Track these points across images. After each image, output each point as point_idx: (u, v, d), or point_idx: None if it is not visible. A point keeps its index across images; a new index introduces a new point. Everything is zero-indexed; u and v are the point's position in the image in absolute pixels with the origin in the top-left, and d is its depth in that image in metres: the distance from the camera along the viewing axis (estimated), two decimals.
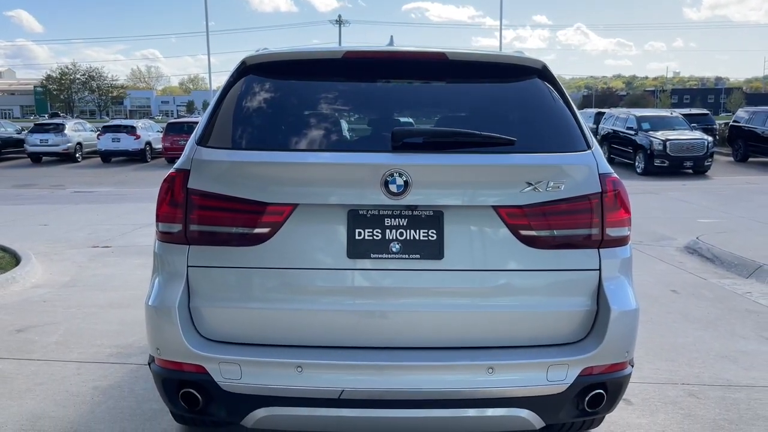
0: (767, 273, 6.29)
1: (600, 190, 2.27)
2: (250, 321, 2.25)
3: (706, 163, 16.86)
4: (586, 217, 2.26)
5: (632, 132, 18.20)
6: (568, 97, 2.52)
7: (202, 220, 2.25)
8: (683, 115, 20.58)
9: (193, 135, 2.41)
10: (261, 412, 2.21)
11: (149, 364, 2.41)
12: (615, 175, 2.34)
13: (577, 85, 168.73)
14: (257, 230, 2.22)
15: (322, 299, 2.23)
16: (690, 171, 16.92)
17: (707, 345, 4.45)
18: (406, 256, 2.22)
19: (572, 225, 2.26)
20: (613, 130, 19.56)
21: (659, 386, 3.73)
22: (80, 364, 4.03)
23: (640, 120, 18.49)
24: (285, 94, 2.46)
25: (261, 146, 2.29)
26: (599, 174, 2.29)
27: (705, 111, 27.55)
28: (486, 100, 2.53)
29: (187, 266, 2.26)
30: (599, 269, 2.27)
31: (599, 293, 2.27)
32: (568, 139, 2.35)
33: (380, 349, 2.24)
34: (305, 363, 2.16)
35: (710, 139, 17.55)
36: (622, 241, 2.32)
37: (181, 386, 2.24)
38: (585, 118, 24.39)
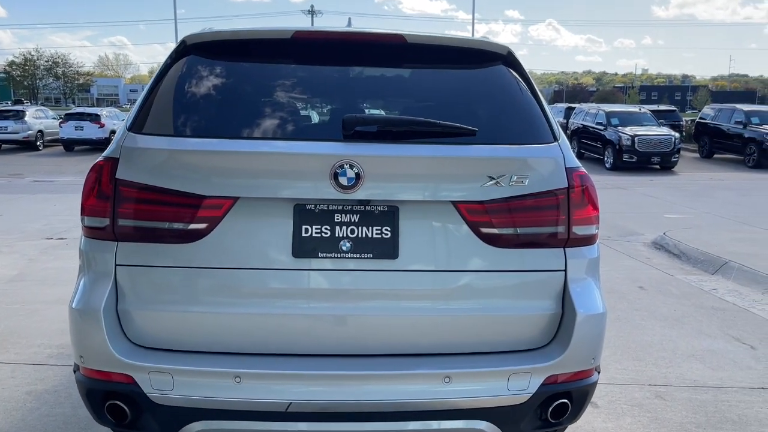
0: (732, 269, 6.28)
1: (566, 186, 2.11)
2: (184, 326, 2.04)
3: (672, 159, 17.04)
4: (551, 214, 2.11)
5: (601, 127, 18.29)
6: (535, 86, 2.36)
7: (131, 214, 2.03)
8: (651, 111, 20.79)
9: (125, 120, 2.18)
10: (196, 426, 2.01)
11: (74, 371, 2.19)
12: (582, 169, 2.19)
13: (549, 81, 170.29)
14: (193, 226, 2.01)
15: (264, 302, 2.03)
16: (657, 166, 17.08)
17: (674, 343, 4.37)
18: (358, 255, 2.03)
19: (536, 222, 2.10)
20: (583, 125, 19.65)
21: (626, 387, 3.62)
22: (15, 366, 3.76)
23: (609, 115, 18.60)
24: (228, 78, 2.24)
25: (198, 133, 2.08)
26: (566, 168, 2.13)
27: (672, 108, 27.91)
28: (447, 88, 2.35)
29: (115, 265, 2.03)
30: (565, 270, 2.12)
31: (564, 296, 2.11)
32: (533, 131, 2.19)
33: (329, 357, 2.05)
34: (245, 373, 1.96)
35: (677, 135, 17.74)
36: (589, 240, 2.17)
37: (107, 398, 2.03)
38: (555, 112, 24.67)
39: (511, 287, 2.10)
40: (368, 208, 2.05)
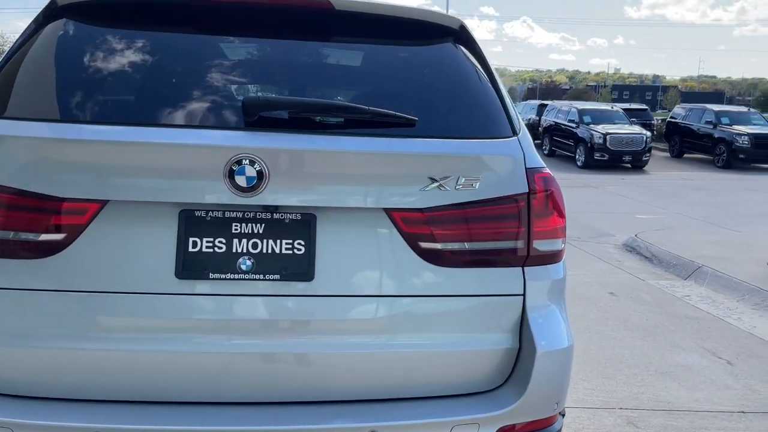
0: (705, 275, 6.01)
1: (527, 190, 1.71)
2: (31, 365, 1.58)
3: (644, 158, 16.92)
4: (507, 226, 1.70)
5: (574, 125, 18.09)
6: (492, 69, 1.95)
7: None
8: (623, 109, 20.69)
9: None
10: None
11: None
12: (547, 170, 1.79)
13: (522, 78, 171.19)
14: (45, 237, 1.55)
15: (136, 337, 1.59)
16: (628, 165, 16.94)
17: (647, 358, 4.03)
18: (261, 276, 1.60)
19: (489, 236, 1.69)
20: (555, 122, 19.44)
21: (595, 412, 3.26)
22: None
23: (581, 113, 18.41)
24: (104, 48, 1.77)
25: (59, 117, 1.62)
26: (526, 169, 1.73)
27: (644, 106, 27.93)
28: (384, 67, 1.93)
29: None
30: (523, 295, 1.72)
31: (522, 327, 1.71)
32: (487, 122, 1.78)
33: (220, 406, 1.61)
34: (107, 429, 1.51)
35: (649, 134, 17.64)
36: (553, 257, 1.78)
37: None
38: (528, 109, 24.43)
39: (457, 316, 1.69)
40: (276, 216, 1.61)
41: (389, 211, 1.64)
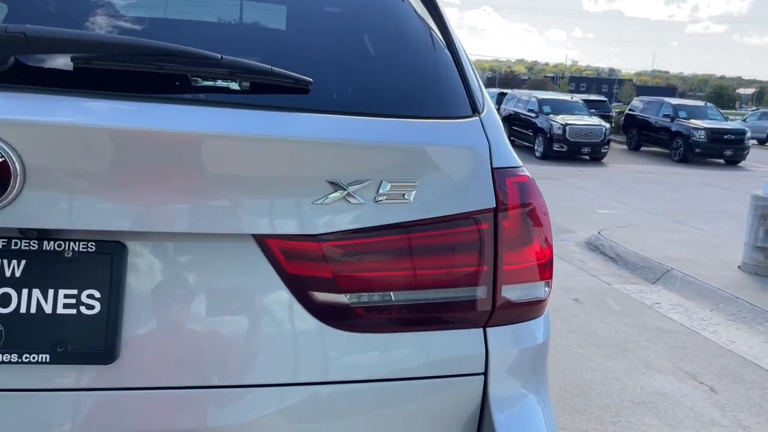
0: (675, 279, 5.54)
1: (493, 205, 1.06)
2: None
3: (602, 150, 16.65)
4: (460, 263, 1.05)
5: (533, 114, 17.69)
6: (447, 22, 1.29)
7: None
8: (582, 100, 20.43)
9: None
10: None
11: None
12: (525, 171, 1.15)
13: (482, 67, 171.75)
14: None
15: None
16: (587, 157, 16.64)
17: (620, 383, 3.48)
18: (16, 356, 0.90)
19: (429, 280, 1.04)
20: (515, 111, 19.01)
21: None
22: None
23: (541, 103, 18.02)
24: None
25: None
26: (493, 169, 1.08)
27: (603, 98, 27.87)
28: (288, 11, 1.26)
29: None
30: (484, 374, 1.07)
31: (481, 430, 1.06)
32: (432, 93, 1.13)
33: None
34: None
35: (608, 126, 17.39)
36: (532, 311, 1.13)
37: None
38: None
39: (373, 417, 1.03)
40: (47, 247, 0.91)
41: (260, 239, 0.96)
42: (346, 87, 1.09)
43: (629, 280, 5.72)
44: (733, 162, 17.66)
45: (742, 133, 17.81)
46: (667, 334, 4.36)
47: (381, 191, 0.99)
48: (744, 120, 27.07)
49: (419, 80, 1.15)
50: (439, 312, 1.05)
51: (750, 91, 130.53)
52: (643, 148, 20.17)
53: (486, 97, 1.20)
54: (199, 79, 0.98)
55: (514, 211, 1.08)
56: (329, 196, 0.97)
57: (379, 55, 1.20)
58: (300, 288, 0.98)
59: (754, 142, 21.80)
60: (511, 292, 1.08)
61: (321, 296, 0.98)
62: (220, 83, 1.00)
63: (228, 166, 0.94)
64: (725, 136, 17.56)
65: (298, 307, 0.98)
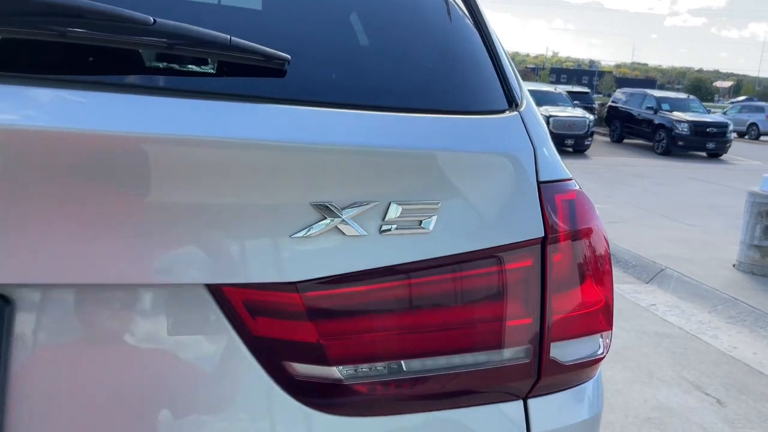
0: (670, 279, 5.35)
1: (541, 234, 0.78)
2: None
3: (586, 142, 16.50)
4: (497, 315, 0.78)
5: None
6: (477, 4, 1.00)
7: None
8: (566, 92, 20.27)
9: None
10: None
11: None
12: (575, 184, 0.87)
13: None
14: None
15: None
16: (570, 149, 16.48)
17: (623, 396, 3.25)
18: None
19: (455, 342, 0.76)
20: None
21: None
22: None
23: None
24: None
25: None
26: (539, 183, 0.80)
27: (586, 89, 27.79)
28: None
29: None
30: None
31: None
32: (457, 77, 0.84)
33: None
34: None
35: (592, 117, 17.26)
36: (586, 371, 0.86)
37: None
38: None
39: None
40: None
41: (215, 288, 0.67)
42: (337, 69, 0.80)
43: (622, 280, 5.51)
44: (715, 155, 17.66)
45: (725, 126, 17.79)
46: (666, 339, 4.15)
47: (388, 218, 0.70)
48: (724, 113, 27.20)
49: (435, 60, 0.86)
50: (466, 384, 0.77)
51: (727, 84, 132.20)
52: (625, 141, 20.09)
53: (524, 87, 0.91)
54: (123, 54, 0.68)
55: (566, 241, 0.80)
56: (314, 226, 0.68)
57: (381, 27, 0.90)
58: (272, 357, 0.69)
59: (735, 135, 21.89)
60: (562, 350, 0.81)
61: (302, 369, 0.70)
62: (153, 60, 0.70)
63: (162, 183, 0.64)
64: (708, 129, 17.53)
65: (269, 384, 0.69)
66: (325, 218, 0.70)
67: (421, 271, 0.73)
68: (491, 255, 0.76)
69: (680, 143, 17.35)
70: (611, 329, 0.88)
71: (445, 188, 0.74)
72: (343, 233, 0.71)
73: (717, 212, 8.76)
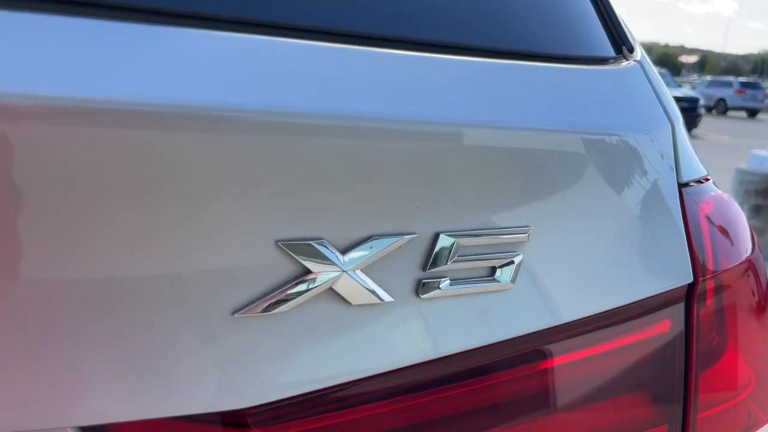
0: None
1: (690, 278, 0.45)
2: None
3: None
4: (617, 421, 0.44)
5: None
6: None
7: None
8: None
9: None
10: None
11: None
12: (714, 185, 0.53)
13: None
14: None
15: None
16: None
17: None
18: None
19: None
20: None
21: None
22: None
23: None
24: None
25: None
26: (680, 187, 0.46)
27: None
28: None
29: None
30: None
31: None
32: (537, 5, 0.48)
33: None
34: None
35: None
36: None
37: None
38: None
39: None
40: None
41: None
42: None
43: None
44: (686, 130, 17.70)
45: (695, 100, 17.77)
46: None
47: (434, 264, 0.37)
48: (693, 88, 27.36)
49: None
50: None
51: (693, 59, 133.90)
52: None
53: (628, 32, 0.58)
54: None
55: (717, 286, 0.48)
56: (285, 290, 0.34)
57: None
58: None
59: (703, 110, 21.99)
60: None
61: None
62: None
63: None
64: (678, 104, 17.39)
65: None
66: (308, 273, 0.37)
67: (489, 366, 0.40)
68: (612, 321, 0.43)
69: None
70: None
71: (539, 204, 0.41)
72: (344, 300, 0.37)
73: None
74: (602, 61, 0.50)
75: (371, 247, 0.38)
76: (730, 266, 0.50)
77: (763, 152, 5.63)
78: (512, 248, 0.42)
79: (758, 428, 0.55)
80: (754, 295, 0.53)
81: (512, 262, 0.41)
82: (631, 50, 0.53)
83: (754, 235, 0.57)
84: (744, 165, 5.60)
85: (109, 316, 0.34)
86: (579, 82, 0.47)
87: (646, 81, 0.52)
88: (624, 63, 0.51)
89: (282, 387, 0.37)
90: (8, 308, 0.31)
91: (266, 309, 0.37)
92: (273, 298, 0.37)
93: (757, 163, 5.49)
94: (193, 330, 0.36)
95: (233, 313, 0.37)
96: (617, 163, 0.46)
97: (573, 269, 0.44)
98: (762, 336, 0.55)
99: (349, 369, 0.38)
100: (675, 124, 0.52)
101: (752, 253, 0.53)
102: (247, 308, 0.37)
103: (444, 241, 0.40)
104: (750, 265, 0.53)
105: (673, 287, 0.46)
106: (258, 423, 0.37)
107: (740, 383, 0.54)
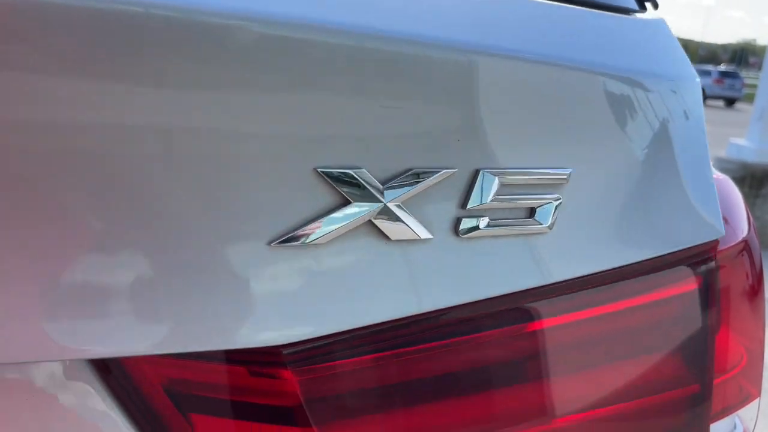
0: None
1: (721, 233, 0.49)
2: None
3: None
4: (656, 377, 0.45)
5: None
6: None
7: None
8: None
9: None
10: None
11: None
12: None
13: None
14: None
15: None
16: None
17: None
18: None
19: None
20: None
21: None
22: None
23: None
24: None
25: None
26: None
27: None
28: None
29: None
30: None
31: None
32: None
33: None
34: None
35: None
36: None
37: None
38: None
39: None
40: None
41: (119, 369, 0.35)
42: None
43: None
44: None
45: None
46: None
47: (474, 201, 0.35)
48: None
49: None
50: None
51: None
52: None
53: None
54: None
55: (735, 249, 0.48)
56: (323, 220, 0.34)
57: None
58: None
59: None
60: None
61: None
62: None
63: None
64: None
65: None
66: (347, 204, 0.35)
67: (530, 308, 0.39)
68: (650, 270, 0.43)
69: None
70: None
71: (578, 147, 0.40)
72: (383, 235, 0.36)
73: None
74: (633, 12, 0.50)
75: (412, 181, 0.37)
76: (726, 246, 0.50)
77: (741, 141, 5.73)
78: (552, 190, 0.41)
79: (749, 402, 0.56)
80: (747, 277, 0.53)
81: (551, 203, 0.40)
82: (656, 6, 0.53)
83: (750, 216, 0.57)
84: (723, 153, 5.69)
85: (144, 245, 0.32)
86: (624, 30, 0.46)
87: (670, 33, 0.52)
88: (651, 15, 0.51)
89: (318, 324, 0.36)
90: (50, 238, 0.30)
91: (303, 238, 0.35)
92: (311, 228, 0.36)
93: (735, 151, 5.59)
94: (228, 260, 0.34)
95: (270, 242, 0.35)
96: (657, 109, 0.45)
97: (610, 216, 0.43)
98: (754, 316, 0.55)
99: (386, 308, 0.37)
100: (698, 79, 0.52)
101: (748, 233, 0.53)
102: (283, 238, 0.35)
103: (485, 178, 0.39)
104: (745, 246, 0.53)
105: (709, 239, 0.46)
106: (293, 362, 0.36)
107: (733, 360, 0.54)
